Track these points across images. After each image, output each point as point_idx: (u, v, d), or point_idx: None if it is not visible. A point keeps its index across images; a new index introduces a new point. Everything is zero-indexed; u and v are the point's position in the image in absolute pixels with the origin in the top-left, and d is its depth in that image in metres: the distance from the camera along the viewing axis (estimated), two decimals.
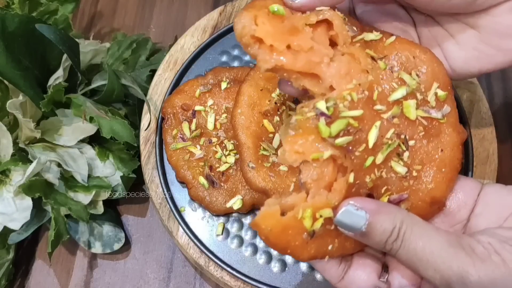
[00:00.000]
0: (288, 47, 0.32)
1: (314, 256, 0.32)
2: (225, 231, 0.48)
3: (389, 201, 0.34)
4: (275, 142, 0.46)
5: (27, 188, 0.45)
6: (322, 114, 0.32)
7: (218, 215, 0.48)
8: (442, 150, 0.34)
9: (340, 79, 0.33)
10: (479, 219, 0.33)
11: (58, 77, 0.49)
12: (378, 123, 0.33)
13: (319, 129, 0.32)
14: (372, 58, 0.34)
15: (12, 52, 0.45)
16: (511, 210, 0.32)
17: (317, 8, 0.34)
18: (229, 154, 0.48)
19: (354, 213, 0.31)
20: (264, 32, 0.32)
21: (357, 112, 0.32)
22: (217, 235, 0.47)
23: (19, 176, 0.47)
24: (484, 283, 0.28)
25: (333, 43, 0.34)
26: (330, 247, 0.33)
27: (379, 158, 0.33)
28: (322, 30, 0.34)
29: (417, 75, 0.35)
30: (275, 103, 0.47)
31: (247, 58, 0.55)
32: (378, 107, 0.33)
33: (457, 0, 0.33)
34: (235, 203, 0.46)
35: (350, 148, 0.32)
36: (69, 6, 0.55)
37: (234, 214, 0.48)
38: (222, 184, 0.47)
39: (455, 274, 0.28)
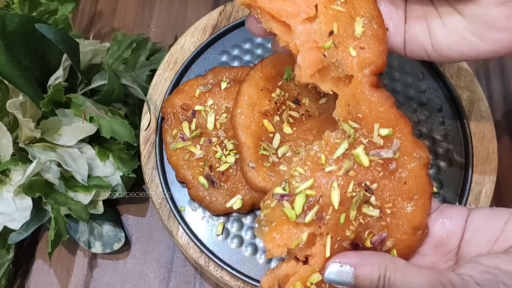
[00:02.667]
0: None
1: None
2: (225, 231, 0.48)
3: (371, 243, 0.34)
4: (275, 142, 0.46)
5: (27, 188, 0.45)
6: (282, 196, 0.34)
7: (218, 215, 0.48)
8: (405, 183, 0.35)
9: (308, 38, 0.34)
10: (469, 245, 0.33)
11: (58, 77, 0.49)
12: (335, 183, 0.34)
13: (286, 215, 0.33)
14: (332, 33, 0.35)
15: (12, 52, 0.45)
16: (499, 233, 0.32)
17: None
18: (229, 154, 0.48)
19: (339, 270, 0.32)
20: None
21: (308, 183, 0.34)
22: (217, 235, 0.47)
23: (19, 176, 0.47)
24: None
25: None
26: None
27: (352, 214, 0.34)
28: None
29: (355, 121, 0.35)
30: (275, 103, 0.47)
31: (247, 58, 0.55)
32: (328, 169, 0.34)
33: None
34: (235, 203, 0.46)
35: (320, 215, 0.33)
36: (69, 6, 0.55)
37: (234, 214, 0.48)
38: (222, 184, 0.47)
39: None
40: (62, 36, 0.46)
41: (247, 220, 0.48)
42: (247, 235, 0.47)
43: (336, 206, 0.33)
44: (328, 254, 0.33)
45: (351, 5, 0.36)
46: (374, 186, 0.34)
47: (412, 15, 0.38)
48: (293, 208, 0.33)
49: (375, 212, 0.34)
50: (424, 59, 0.39)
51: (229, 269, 0.46)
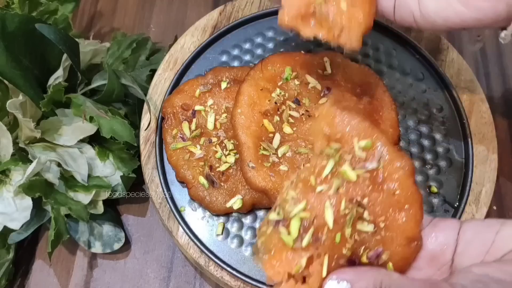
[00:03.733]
0: None
1: None
2: (225, 231, 0.48)
3: (367, 258, 0.35)
4: (275, 142, 0.46)
5: (27, 188, 0.45)
6: (277, 222, 0.34)
7: (218, 215, 0.48)
8: (393, 194, 0.35)
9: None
10: (462, 258, 0.34)
11: (58, 77, 0.49)
12: (327, 203, 0.34)
13: (283, 242, 0.33)
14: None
15: (12, 52, 0.45)
16: (490, 243, 0.33)
17: None
18: (229, 154, 0.48)
19: (336, 286, 0.32)
20: None
21: (301, 205, 0.34)
22: (217, 235, 0.47)
23: (19, 176, 0.47)
24: None
25: None
26: None
27: (347, 232, 0.34)
28: None
29: (335, 141, 0.36)
30: (275, 103, 0.47)
31: (247, 58, 0.55)
32: (319, 188, 0.34)
33: None
34: (235, 203, 0.46)
35: (316, 237, 0.34)
36: (69, 5, 0.55)
37: (234, 214, 0.48)
38: (222, 184, 0.47)
39: None
40: (62, 36, 0.46)
41: (247, 220, 0.48)
42: (247, 235, 0.47)
43: (331, 226, 0.34)
44: (324, 273, 0.33)
45: None
46: (365, 201, 0.35)
47: None
48: (289, 232, 0.34)
49: (370, 227, 0.35)
50: (411, 26, 0.40)
51: (229, 269, 0.46)
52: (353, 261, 0.35)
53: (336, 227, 0.34)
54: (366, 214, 0.35)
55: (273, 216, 0.34)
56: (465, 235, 0.34)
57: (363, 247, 0.35)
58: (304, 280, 0.34)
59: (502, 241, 0.32)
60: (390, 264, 0.35)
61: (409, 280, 0.33)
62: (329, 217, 0.34)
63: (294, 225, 0.34)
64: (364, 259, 0.35)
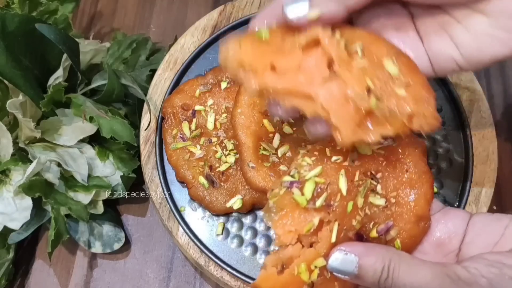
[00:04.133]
0: (273, 68, 0.31)
1: None
2: (225, 231, 0.48)
3: (377, 232, 0.35)
4: (275, 142, 0.46)
5: (27, 188, 0.45)
6: (292, 183, 0.34)
7: (218, 215, 0.48)
8: (407, 171, 0.36)
9: (332, 98, 0.31)
10: (470, 247, 0.34)
11: (58, 77, 0.49)
12: (342, 171, 0.34)
13: (296, 201, 0.33)
14: (370, 90, 0.32)
15: (12, 52, 0.45)
16: (499, 236, 0.33)
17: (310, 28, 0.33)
18: (229, 154, 0.48)
19: (344, 258, 0.32)
20: (245, 54, 0.31)
21: (317, 170, 0.34)
22: (217, 235, 0.47)
23: (19, 175, 0.47)
24: None
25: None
26: None
27: (360, 201, 0.35)
28: (319, 53, 0.32)
29: None
30: None
31: None
32: (334, 158, 0.35)
33: None
34: (235, 202, 0.46)
35: (328, 202, 0.34)
36: (69, 5, 0.55)
37: (234, 214, 0.48)
38: (222, 183, 0.47)
39: None
40: (62, 36, 0.46)
41: (247, 220, 0.48)
42: (247, 235, 0.47)
43: (344, 193, 0.34)
44: (333, 239, 0.33)
45: (369, 52, 0.33)
46: (379, 175, 0.35)
47: (427, 31, 0.36)
48: (303, 194, 0.33)
49: (381, 201, 0.35)
50: (455, 72, 0.36)
51: (229, 269, 0.46)
52: (361, 236, 0.35)
53: (349, 196, 0.34)
54: (378, 188, 0.35)
55: (287, 178, 0.34)
56: (474, 226, 0.34)
57: (372, 223, 0.35)
58: (310, 246, 0.34)
59: (511, 235, 0.33)
60: (398, 241, 0.35)
61: (420, 261, 0.32)
62: (342, 185, 0.34)
63: (309, 187, 0.33)
64: (373, 233, 0.35)
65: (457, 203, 0.48)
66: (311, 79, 0.31)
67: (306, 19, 0.33)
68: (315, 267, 0.33)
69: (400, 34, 0.36)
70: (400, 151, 0.36)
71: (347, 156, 0.35)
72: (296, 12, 0.33)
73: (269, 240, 0.47)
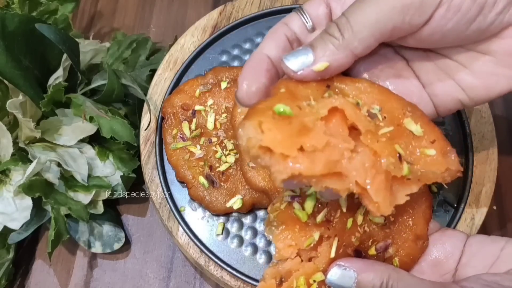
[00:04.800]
0: (301, 149, 0.29)
1: None
2: (225, 231, 0.48)
3: (376, 249, 0.35)
4: None
5: (27, 188, 0.45)
6: (293, 197, 0.34)
7: (218, 215, 0.48)
8: None
9: (365, 172, 0.30)
10: (466, 268, 0.34)
11: (58, 77, 0.49)
12: None
13: (297, 216, 0.34)
14: (400, 156, 0.31)
15: (12, 52, 0.45)
16: (494, 258, 0.33)
17: (325, 95, 0.31)
18: (229, 154, 0.48)
19: (342, 273, 0.32)
20: (271, 140, 0.28)
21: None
22: (217, 235, 0.47)
23: (19, 175, 0.47)
24: None
25: (354, 129, 0.31)
26: None
27: (359, 218, 0.35)
28: (338, 119, 0.31)
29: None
30: None
31: (247, 58, 0.55)
32: None
33: (470, 31, 0.32)
34: (235, 202, 0.46)
35: (328, 218, 0.34)
36: (69, 5, 0.55)
37: (234, 214, 0.48)
38: (222, 183, 0.47)
39: None
40: (62, 36, 0.46)
41: (247, 220, 0.48)
42: (247, 235, 0.47)
43: (344, 210, 0.34)
44: (333, 254, 0.34)
45: (390, 114, 0.32)
46: None
47: (429, 77, 0.35)
48: (303, 209, 0.34)
49: (380, 220, 0.35)
50: (460, 109, 0.36)
51: (229, 269, 0.46)
52: (359, 252, 0.35)
53: (349, 212, 0.34)
54: None
55: (288, 192, 0.35)
56: (470, 248, 0.35)
57: (371, 240, 0.35)
58: (309, 260, 0.34)
59: (507, 257, 0.33)
60: (396, 259, 0.35)
61: (418, 279, 0.32)
62: (343, 201, 0.34)
63: (309, 203, 0.34)
64: (372, 250, 0.35)
65: (457, 203, 0.48)
66: (339, 154, 0.29)
67: (312, 71, 0.31)
68: (314, 281, 0.33)
69: (401, 81, 0.35)
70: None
71: None
72: (300, 65, 0.31)
73: (269, 240, 0.47)
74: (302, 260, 0.34)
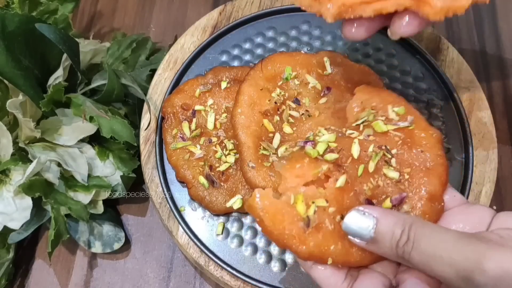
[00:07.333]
0: None
1: (314, 252, 0.32)
2: (225, 231, 0.48)
3: (391, 201, 0.35)
4: (275, 142, 0.45)
5: (27, 188, 0.45)
6: (306, 142, 0.35)
7: (218, 215, 0.48)
8: (422, 151, 0.36)
9: None
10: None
11: (58, 77, 0.49)
12: (356, 140, 0.35)
13: (307, 153, 0.35)
14: None
15: (12, 51, 0.45)
16: None
17: None
18: (229, 154, 0.48)
19: (360, 219, 0.31)
20: None
21: (331, 136, 0.35)
22: (217, 235, 0.47)
23: (19, 175, 0.47)
24: (504, 267, 0.26)
25: None
26: (332, 247, 0.33)
27: (371, 166, 0.35)
28: None
29: (371, 108, 0.38)
30: (275, 102, 0.46)
31: (247, 57, 0.55)
32: (349, 131, 0.36)
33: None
34: (235, 202, 0.46)
35: (339, 163, 0.35)
36: (69, 5, 0.55)
37: (234, 214, 0.48)
38: (222, 183, 0.47)
39: (472, 263, 0.26)
40: (62, 36, 0.46)
41: (247, 220, 0.48)
42: (247, 235, 0.47)
43: (356, 156, 0.35)
44: (339, 184, 0.33)
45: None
46: (393, 151, 0.36)
47: None
48: (315, 149, 0.35)
49: (395, 174, 0.35)
50: None
51: (229, 269, 0.46)
52: (372, 203, 0.34)
53: (359, 161, 0.35)
54: (393, 162, 0.35)
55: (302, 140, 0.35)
56: (498, 220, 0.32)
57: (384, 195, 0.35)
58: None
59: None
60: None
61: (445, 228, 0.30)
62: (355, 150, 0.35)
63: (321, 146, 0.35)
64: (387, 203, 0.34)
65: None
66: None
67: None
68: (313, 202, 0.32)
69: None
70: (417, 136, 0.36)
71: (362, 132, 0.36)
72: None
73: (269, 240, 0.47)
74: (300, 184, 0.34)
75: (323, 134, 0.37)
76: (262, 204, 0.32)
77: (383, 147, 0.36)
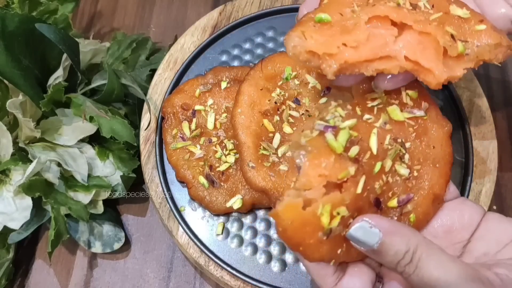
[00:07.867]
0: (345, 45, 0.32)
1: (323, 257, 0.33)
2: (225, 231, 0.48)
3: (398, 202, 0.35)
4: (275, 142, 0.46)
5: (27, 188, 0.45)
6: (326, 127, 0.33)
7: (218, 215, 0.48)
8: (433, 147, 0.36)
9: (413, 48, 0.33)
10: (479, 242, 0.34)
11: (58, 77, 0.49)
12: (375, 130, 0.35)
13: (331, 146, 0.32)
14: (452, 36, 0.34)
15: (12, 51, 0.45)
16: (509, 239, 0.32)
17: None
18: (229, 154, 0.48)
19: (367, 230, 0.31)
20: (314, 44, 0.32)
21: (352, 122, 0.34)
22: (217, 235, 0.47)
23: (19, 175, 0.47)
24: None
25: (396, 24, 0.34)
26: (339, 251, 0.33)
27: (388, 164, 0.35)
28: (380, 19, 0.33)
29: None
30: (275, 102, 0.46)
31: (247, 57, 0.55)
32: (366, 116, 0.36)
33: None
34: (235, 202, 0.46)
35: (358, 158, 0.34)
36: (69, 5, 0.55)
37: (234, 214, 0.48)
38: (222, 183, 0.47)
39: None
40: (62, 36, 0.46)
41: (247, 220, 0.48)
42: (247, 235, 0.47)
43: (374, 152, 0.34)
44: (359, 190, 0.32)
45: (436, 3, 0.35)
46: (407, 144, 0.36)
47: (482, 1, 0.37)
48: (337, 141, 0.33)
49: (406, 171, 0.35)
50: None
51: (229, 268, 0.46)
52: (379, 202, 0.34)
53: (377, 157, 0.34)
54: (406, 157, 0.36)
55: (321, 122, 0.34)
56: (487, 223, 0.34)
57: (391, 192, 0.35)
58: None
59: None
60: (413, 216, 0.35)
61: (450, 257, 0.30)
62: (373, 143, 0.34)
63: (343, 135, 0.33)
64: (393, 202, 0.34)
65: None
66: (384, 42, 0.32)
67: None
68: (338, 213, 0.31)
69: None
70: (429, 127, 0.37)
71: (379, 118, 0.35)
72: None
73: (269, 240, 0.47)
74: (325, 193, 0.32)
75: (340, 115, 0.35)
76: (290, 215, 0.31)
77: (399, 140, 0.35)
